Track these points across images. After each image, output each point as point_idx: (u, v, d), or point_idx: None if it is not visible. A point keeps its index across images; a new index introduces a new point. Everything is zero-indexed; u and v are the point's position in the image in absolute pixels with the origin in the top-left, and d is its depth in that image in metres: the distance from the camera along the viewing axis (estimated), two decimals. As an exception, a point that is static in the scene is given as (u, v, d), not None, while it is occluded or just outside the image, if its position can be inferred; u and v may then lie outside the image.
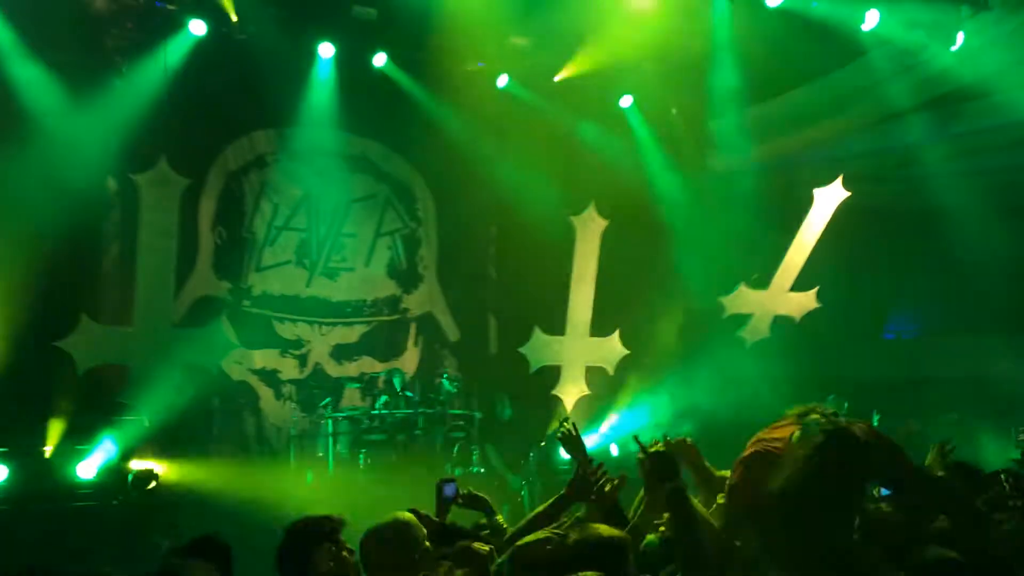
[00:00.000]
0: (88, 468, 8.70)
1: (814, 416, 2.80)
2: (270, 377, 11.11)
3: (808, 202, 11.47)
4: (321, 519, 3.46)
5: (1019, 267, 10.45)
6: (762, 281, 11.80)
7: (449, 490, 4.07)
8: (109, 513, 8.42)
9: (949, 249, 10.86)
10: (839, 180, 11.40)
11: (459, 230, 12.38)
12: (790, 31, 9.92)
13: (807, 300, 11.68)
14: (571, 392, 11.83)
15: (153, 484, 8.88)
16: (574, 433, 3.88)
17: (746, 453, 2.97)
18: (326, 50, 10.83)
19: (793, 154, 11.52)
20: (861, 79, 10.73)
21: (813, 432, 2.71)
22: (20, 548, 7.33)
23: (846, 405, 9.61)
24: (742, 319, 11.87)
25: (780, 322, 11.78)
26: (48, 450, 8.76)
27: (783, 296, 11.75)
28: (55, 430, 8.84)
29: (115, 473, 8.86)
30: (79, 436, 8.87)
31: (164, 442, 9.78)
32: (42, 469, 8.59)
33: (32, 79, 9.18)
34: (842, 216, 11.36)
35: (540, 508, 3.61)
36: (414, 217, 12.42)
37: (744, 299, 11.81)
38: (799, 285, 11.73)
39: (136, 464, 9.06)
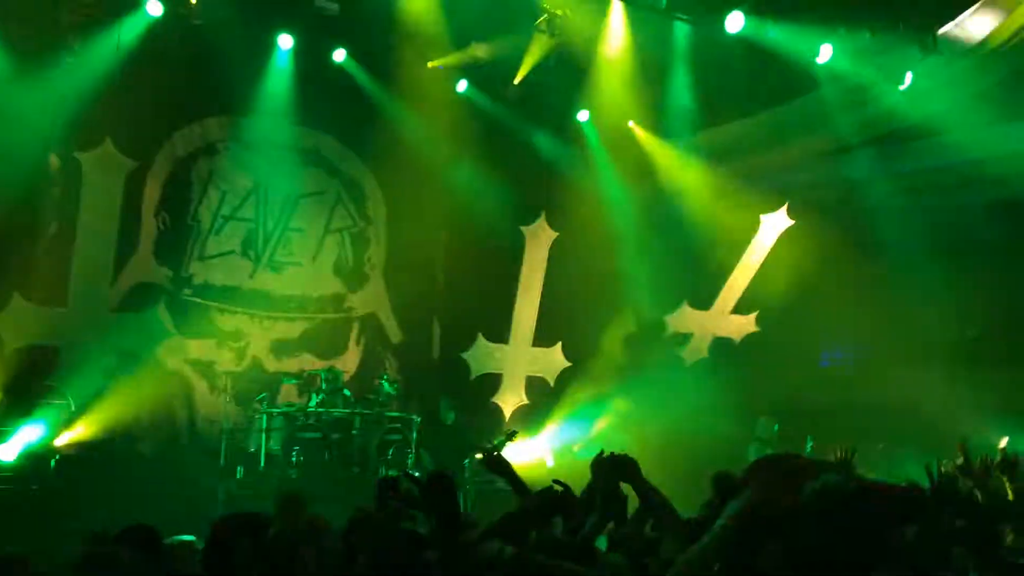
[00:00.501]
0: (8, 451, 8.43)
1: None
2: (206, 368, 10.90)
3: (755, 226, 11.68)
4: (247, 515, 3.45)
5: (954, 303, 10.75)
6: (705, 302, 11.98)
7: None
8: (27, 498, 8.16)
9: (888, 281, 11.12)
10: (784, 208, 11.63)
11: (409, 232, 12.30)
12: (747, 58, 10.10)
13: (747, 323, 11.89)
14: (510, 401, 11.86)
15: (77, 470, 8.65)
16: (497, 456, 3.92)
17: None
18: (285, 41, 10.73)
19: (742, 178, 11.70)
20: (812, 110, 10.96)
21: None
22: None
23: (776, 428, 9.80)
24: (683, 338, 12.02)
25: (720, 343, 11.96)
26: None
27: (724, 318, 11.94)
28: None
29: (37, 458, 8.60)
30: (2, 417, 8.60)
31: (91, 428, 9.55)
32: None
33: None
34: (786, 243, 11.58)
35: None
36: (364, 216, 12.32)
37: (686, 318, 11.98)
38: (740, 308, 11.93)
39: (60, 449, 8.81)
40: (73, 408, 9.03)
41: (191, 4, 9.87)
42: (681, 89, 11.15)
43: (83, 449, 9.24)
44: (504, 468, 3.84)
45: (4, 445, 8.44)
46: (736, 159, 11.55)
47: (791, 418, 10.24)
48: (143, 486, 8.92)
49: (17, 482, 8.36)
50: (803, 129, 11.11)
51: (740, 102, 11.16)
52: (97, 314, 9.45)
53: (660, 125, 11.84)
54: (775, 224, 11.65)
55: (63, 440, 8.97)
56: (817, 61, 10.22)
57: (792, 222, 11.55)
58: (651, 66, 11.23)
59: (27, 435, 8.55)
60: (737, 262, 11.76)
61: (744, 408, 10.24)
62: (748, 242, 11.70)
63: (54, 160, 9.85)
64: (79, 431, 9.29)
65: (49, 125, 9.62)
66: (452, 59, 11.59)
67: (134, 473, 9.25)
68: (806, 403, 11.35)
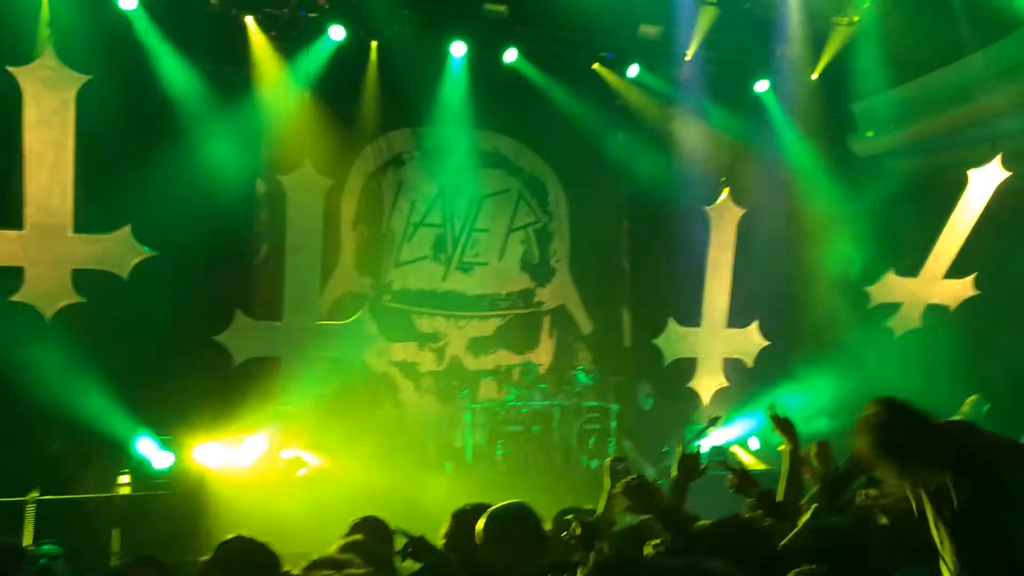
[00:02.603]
0: (245, 456, 9.18)
1: None
2: (410, 369, 11.44)
3: (962, 184, 10.81)
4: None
5: None
6: (912, 268, 11.22)
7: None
8: (262, 500, 8.83)
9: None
10: (997, 159, 10.68)
11: (591, 223, 12.35)
12: (940, 5, 9.38)
13: (963, 287, 11.01)
14: (708, 385, 11.61)
15: (303, 471, 9.29)
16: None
17: None
18: (458, 49, 11.03)
19: (945, 134, 10.85)
20: (1016, 51, 10.01)
21: None
22: (181, 530, 7.82)
23: (986, 408, 8.96)
24: (890, 308, 11.31)
25: (933, 311, 11.16)
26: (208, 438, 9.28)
27: (936, 283, 11.11)
28: (214, 420, 9.37)
29: (268, 461, 9.32)
30: (236, 425, 9.37)
31: (312, 431, 10.25)
32: (202, 457, 9.11)
33: (186, 89, 9.76)
34: (1000, 198, 10.64)
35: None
36: (546, 211, 12.49)
37: (893, 287, 11.24)
38: (953, 272, 11.08)
39: (287, 453, 9.50)
40: (296, 413, 9.70)
41: (370, 25, 10.36)
42: (869, 46, 10.51)
43: (308, 451, 9.92)
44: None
45: (240, 451, 9.18)
46: (935, 113, 10.74)
47: (1012, 393, 9.34)
48: (361, 484, 9.50)
49: (250, 487, 9.06)
50: (1008, 72, 10.17)
51: (935, 53, 10.38)
52: (309, 325, 10.07)
53: (848, 86, 11.22)
54: (987, 178, 10.71)
55: (290, 445, 9.65)
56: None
57: (1008, 174, 10.57)
58: (834, 26, 10.69)
59: (258, 442, 9.26)
60: (945, 223, 10.91)
61: (962, 381, 9.48)
62: (956, 200, 10.82)
63: (260, 185, 10.64)
64: (302, 435, 9.98)
65: (253, 153, 10.41)
66: (621, 45, 11.54)
67: (355, 474, 9.83)
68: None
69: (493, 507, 3.48)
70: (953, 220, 10.88)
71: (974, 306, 10.94)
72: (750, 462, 10.38)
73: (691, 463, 3.89)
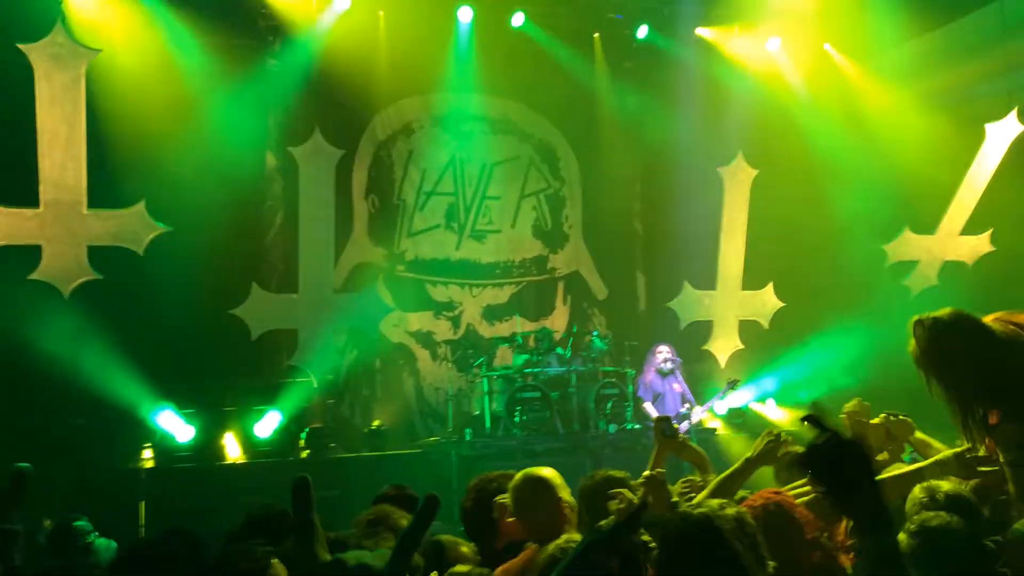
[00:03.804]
0: (264, 428, 9.26)
1: None
2: (426, 339, 11.46)
3: (979, 139, 10.68)
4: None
5: None
6: (929, 226, 11.13)
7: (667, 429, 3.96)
8: (285, 469, 8.94)
9: None
10: (1014, 113, 10.55)
11: (603, 187, 12.28)
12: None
13: (980, 243, 10.92)
14: (724, 347, 11.61)
15: (327, 443, 9.37)
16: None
17: None
18: (465, 14, 10.92)
19: (961, 88, 10.71)
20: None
21: None
22: (206, 503, 7.91)
23: None
24: (907, 266, 11.25)
25: (950, 268, 11.09)
26: (228, 411, 9.36)
27: (953, 240, 11.03)
28: (234, 393, 9.45)
29: (289, 433, 9.40)
30: (255, 398, 9.44)
31: (331, 402, 10.33)
32: (224, 429, 9.20)
33: (196, 64, 9.71)
34: (1018, 152, 10.51)
35: (730, 471, 3.53)
36: (557, 176, 12.43)
37: (909, 245, 11.17)
38: (970, 228, 10.99)
39: (308, 424, 9.57)
40: (316, 385, 9.76)
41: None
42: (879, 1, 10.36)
43: (327, 421, 10.00)
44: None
45: (259, 423, 9.26)
46: (949, 68, 10.59)
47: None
48: (382, 452, 9.59)
49: (274, 456, 9.16)
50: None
51: (952, 4, 10.21)
52: (324, 297, 10.10)
53: (860, 42, 11.06)
54: (1004, 131, 10.58)
55: (308, 415, 9.72)
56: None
57: (1024, 127, 10.44)
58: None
59: (278, 413, 9.34)
60: (962, 178, 10.80)
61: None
62: (973, 155, 10.70)
63: (271, 157, 10.61)
64: (321, 406, 10.05)
65: (263, 125, 10.38)
66: (630, 6, 11.42)
67: (372, 441, 9.92)
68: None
69: (521, 473, 3.46)
70: (970, 175, 10.77)
71: (993, 261, 10.84)
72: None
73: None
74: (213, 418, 9.15)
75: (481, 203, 11.97)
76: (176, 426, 8.92)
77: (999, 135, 10.61)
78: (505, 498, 3.42)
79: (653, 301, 12.17)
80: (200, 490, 8.34)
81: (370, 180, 11.46)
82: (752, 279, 11.54)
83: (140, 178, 9.02)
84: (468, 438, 9.66)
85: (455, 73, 11.24)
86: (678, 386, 9.82)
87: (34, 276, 8.63)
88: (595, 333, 10.87)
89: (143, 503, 8.26)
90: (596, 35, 11.70)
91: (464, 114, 11.71)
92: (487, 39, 11.09)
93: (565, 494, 3.39)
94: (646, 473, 3.48)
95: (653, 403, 9.74)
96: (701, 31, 11.54)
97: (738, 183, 11.47)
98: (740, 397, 10.61)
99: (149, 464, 8.87)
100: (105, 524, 5.55)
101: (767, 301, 11.58)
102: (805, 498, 2.98)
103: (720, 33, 11.55)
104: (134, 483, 8.45)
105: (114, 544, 5.21)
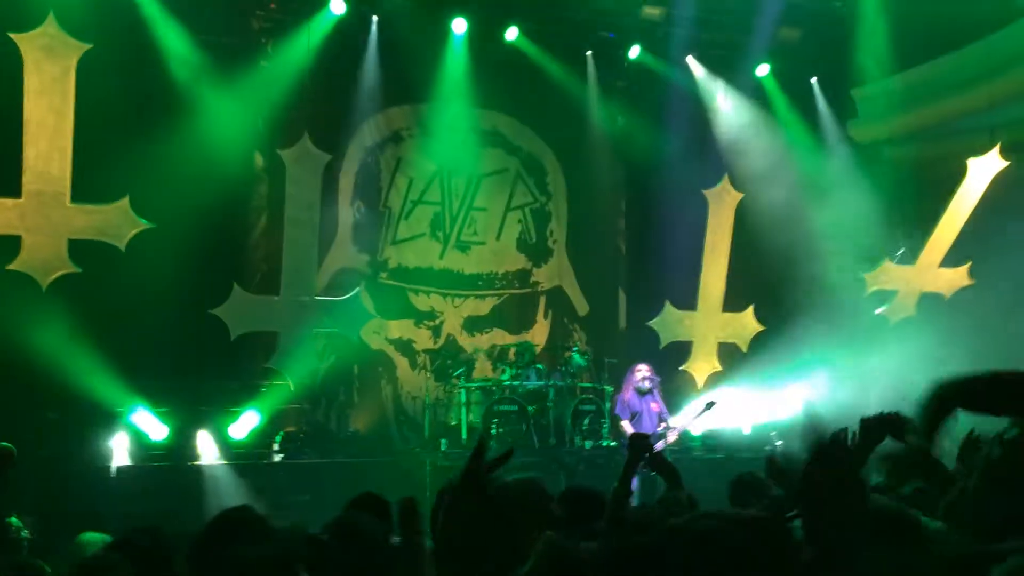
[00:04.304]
0: (240, 429, 9.20)
1: None
2: (406, 347, 11.43)
3: (960, 173, 10.83)
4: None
5: None
6: (908, 256, 11.25)
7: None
8: (259, 471, 8.88)
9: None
10: (996, 149, 10.71)
11: (589, 203, 12.33)
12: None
13: (958, 276, 11.05)
14: (702, 368, 11.67)
15: (298, 446, 9.32)
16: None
17: None
18: (459, 26, 10.97)
19: (944, 123, 10.87)
20: (1019, 41, 10.02)
21: None
22: (177, 503, 7.84)
23: None
24: (885, 296, 11.36)
25: (928, 300, 11.21)
26: (203, 412, 9.28)
27: (932, 271, 11.16)
28: (210, 393, 9.38)
29: (264, 435, 9.35)
30: (231, 399, 9.39)
31: (308, 407, 10.28)
32: (198, 430, 9.12)
33: (186, 61, 9.69)
34: (998, 187, 10.66)
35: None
36: (544, 191, 12.46)
37: (889, 275, 11.30)
38: (949, 261, 11.12)
39: (283, 426, 9.53)
40: (292, 388, 9.72)
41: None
42: (870, 33, 10.51)
43: (302, 425, 9.96)
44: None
45: (235, 425, 9.20)
46: (935, 102, 10.75)
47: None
48: (356, 459, 9.55)
49: (249, 458, 9.11)
50: (1009, 61, 10.18)
51: (935, 42, 10.38)
52: (305, 300, 10.07)
53: (849, 71, 11.21)
54: (985, 167, 10.73)
55: (284, 418, 9.67)
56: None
57: (1006, 163, 10.59)
58: (835, 11, 10.65)
59: (254, 415, 9.28)
60: (943, 211, 10.94)
61: (959, 369, 9.52)
62: (954, 189, 10.85)
63: (259, 158, 10.58)
64: (298, 410, 10.01)
65: (252, 125, 10.34)
66: (623, 26, 11.52)
67: (348, 447, 9.88)
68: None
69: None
70: (951, 209, 10.91)
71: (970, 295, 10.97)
72: None
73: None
74: (188, 418, 9.07)
75: (467, 214, 11.99)
76: (150, 424, 8.85)
77: (981, 170, 10.75)
78: None
79: (634, 319, 12.22)
80: (172, 490, 8.26)
81: (356, 186, 11.44)
82: (733, 301, 11.62)
83: (126, 173, 8.97)
84: (444, 448, 9.64)
85: (446, 83, 11.27)
86: (656, 405, 9.83)
87: (12, 267, 8.56)
88: (575, 348, 10.90)
89: (112, 500, 8.17)
90: (589, 53, 11.79)
91: (454, 125, 11.71)
92: (480, 51, 11.14)
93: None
94: None
95: (631, 422, 9.75)
96: (691, 61, 11.65)
97: (723, 205, 11.57)
98: (716, 418, 10.64)
99: (121, 461, 8.77)
100: (72, 520, 5.50)
101: (747, 324, 11.67)
102: None
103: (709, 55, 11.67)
104: (104, 479, 8.35)
105: (109, 538, 5.15)
